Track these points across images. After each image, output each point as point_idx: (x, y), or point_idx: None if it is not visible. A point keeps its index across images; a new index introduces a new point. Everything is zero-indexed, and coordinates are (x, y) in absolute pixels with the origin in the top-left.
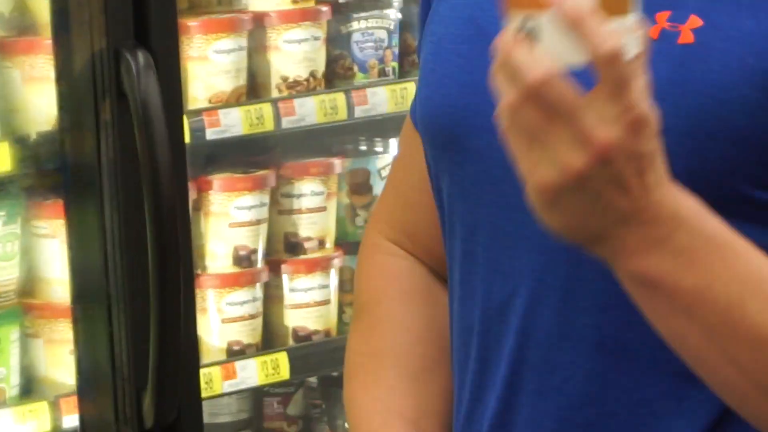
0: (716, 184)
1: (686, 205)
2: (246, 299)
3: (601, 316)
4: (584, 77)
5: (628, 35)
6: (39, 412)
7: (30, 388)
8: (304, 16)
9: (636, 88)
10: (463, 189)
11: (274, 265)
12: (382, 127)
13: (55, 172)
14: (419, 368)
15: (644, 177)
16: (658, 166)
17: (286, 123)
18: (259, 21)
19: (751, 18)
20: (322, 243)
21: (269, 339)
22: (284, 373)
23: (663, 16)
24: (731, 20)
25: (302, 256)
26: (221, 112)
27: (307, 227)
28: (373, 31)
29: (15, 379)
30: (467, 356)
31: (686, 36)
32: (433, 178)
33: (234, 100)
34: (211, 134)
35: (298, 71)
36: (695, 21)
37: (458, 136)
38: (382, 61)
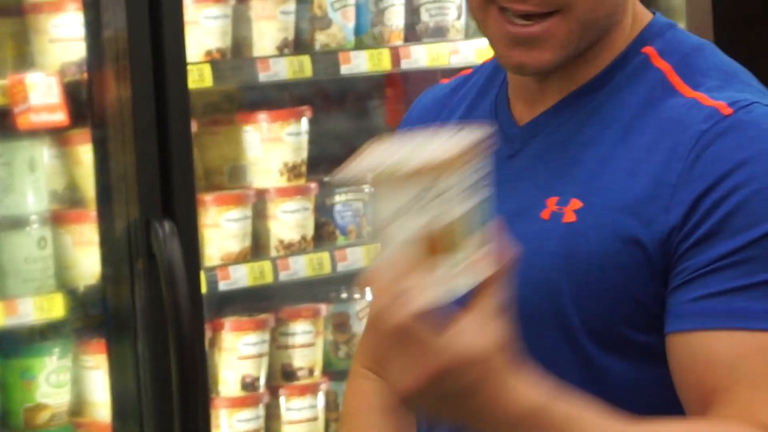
0: (606, 331)
1: (528, 408)
2: (251, 417)
3: None
4: None
5: (457, 274)
6: None
7: None
8: (297, 191)
9: (432, 341)
10: None
11: (273, 390)
12: (359, 279)
13: (99, 316)
14: None
15: (471, 401)
16: (487, 389)
17: (283, 276)
18: (261, 195)
19: (619, 197)
20: (311, 371)
21: None
22: None
23: (552, 201)
24: (605, 200)
25: (296, 382)
26: (231, 268)
27: (299, 359)
28: (352, 203)
29: None
30: None
31: (569, 216)
32: None
33: (241, 258)
34: (223, 285)
35: (292, 235)
36: (576, 203)
37: None
38: (358, 226)
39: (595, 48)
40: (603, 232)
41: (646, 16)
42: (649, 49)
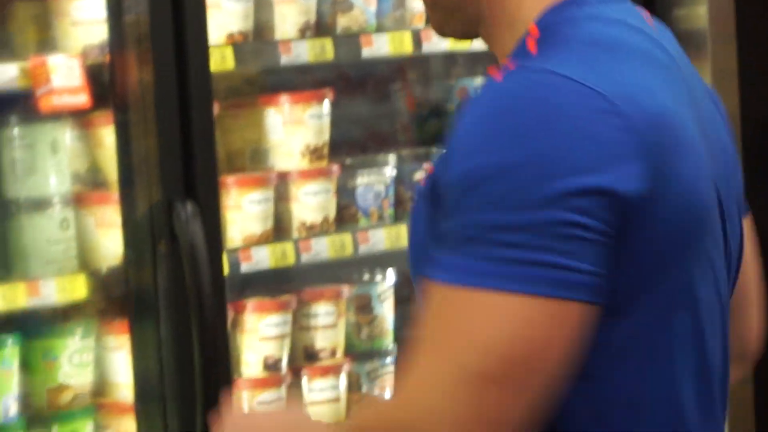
0: None
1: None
2: (273, 398)
3: None
4: None
5: None
6: None
7: None
8: (319, 173)
9: None
10: None
11: (295, 371)
12: (380, 260)
13: (121, 297)
14: None
15: None
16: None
17: (305, 258)
18: (283, 178)
19: (442, 161)
20: (333, 352)
21: None
22: None
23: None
24: (437, 165)
25: (318, 363)
26: (253, 249)
27: (321, 340)
28: (373, 185)
29: None
30: None
31: (422, 180)
32: None
33: (263, 240)
34: (245, 267)
35: (313, 217)
36: (430, 168)
37: None
38: (380, 208)
39: (489, 29)
40: (426, 190)
41: None
42: (532, 26)
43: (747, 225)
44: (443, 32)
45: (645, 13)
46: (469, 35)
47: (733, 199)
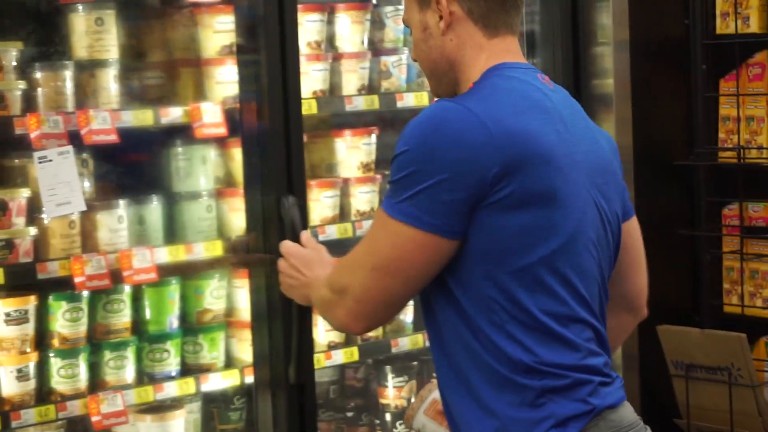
0: None
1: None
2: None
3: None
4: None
5: None
6: (233, 375)
7: (228, 364)
8: (368, 180)
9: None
10: None
11: None
12: None
13: (244, 254)
14: None
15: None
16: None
17: (359, 233)
18: (346, 182)
19: None
20: None
21: (349, 340)
22: (356, 357)
23: None
24: None
25: None
26: (326, 226)
27: None
28: None
29: (222, 359)
30: None
31: None
32: None
33: (332, 221)
34: (321, 238)
35: (365, 207)
36: None
37: None
38: None
39: (460, 90)
40: None
41: (502, 59)
42: (470, 84)
43: (634, 222)
44: (438, 93)
45: (545, 78)
46: (455, 94)
47: (611, 195)
